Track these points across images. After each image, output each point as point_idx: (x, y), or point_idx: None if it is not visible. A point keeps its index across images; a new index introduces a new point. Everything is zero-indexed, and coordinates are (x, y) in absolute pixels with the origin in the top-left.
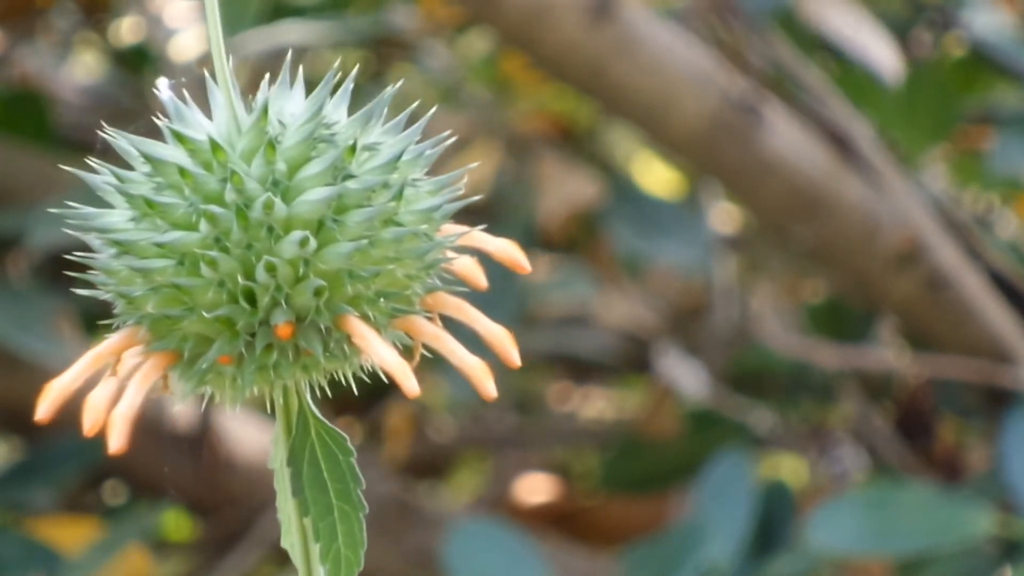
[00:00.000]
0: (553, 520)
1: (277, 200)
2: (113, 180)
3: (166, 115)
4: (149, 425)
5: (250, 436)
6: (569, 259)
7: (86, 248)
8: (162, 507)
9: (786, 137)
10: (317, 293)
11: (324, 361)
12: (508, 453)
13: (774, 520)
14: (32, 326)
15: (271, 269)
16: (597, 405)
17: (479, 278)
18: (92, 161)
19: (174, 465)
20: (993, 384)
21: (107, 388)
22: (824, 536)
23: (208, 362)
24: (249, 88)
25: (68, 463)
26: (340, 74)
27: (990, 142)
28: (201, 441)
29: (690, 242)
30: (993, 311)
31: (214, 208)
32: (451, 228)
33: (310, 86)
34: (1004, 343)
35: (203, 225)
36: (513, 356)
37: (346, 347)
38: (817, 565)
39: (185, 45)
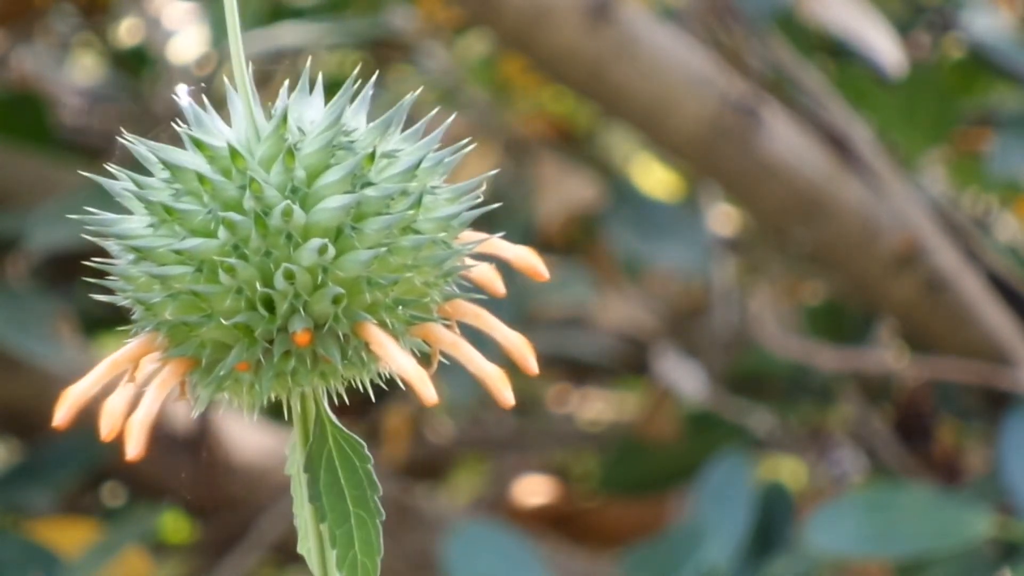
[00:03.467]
0: (552, 522)
1: (296, 207)
2: (132, 186)
3: (166, 118)
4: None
5: (249, 438)
6: (568, 261)
7: (89, 250)
8: (161, 509)
9: (785, 139)
10: (335, 300)
11: (342, 368)
12: (507, 455)
13: (773, 522)
14: (31, 328)
15: (289, 276)
16: (596, 407)
17: (497, 285)
18: (110, 167)
19: (173, 467)
20: (992, 386)
21: (124, 394)
22: (823, 538)
23: (226, 369)
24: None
25: (67, 465)
26: (359, 81)
27: (989, 144)
28: (200, 443)
29: (689, 244)
30: (992, 313)
31: (233, 215)
32: (469, 235)
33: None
34: (1003, 345)
35: (222, 232)
36: (531, 363)
37: (364, 354)
38: (816, 567)
39: (184, 47)
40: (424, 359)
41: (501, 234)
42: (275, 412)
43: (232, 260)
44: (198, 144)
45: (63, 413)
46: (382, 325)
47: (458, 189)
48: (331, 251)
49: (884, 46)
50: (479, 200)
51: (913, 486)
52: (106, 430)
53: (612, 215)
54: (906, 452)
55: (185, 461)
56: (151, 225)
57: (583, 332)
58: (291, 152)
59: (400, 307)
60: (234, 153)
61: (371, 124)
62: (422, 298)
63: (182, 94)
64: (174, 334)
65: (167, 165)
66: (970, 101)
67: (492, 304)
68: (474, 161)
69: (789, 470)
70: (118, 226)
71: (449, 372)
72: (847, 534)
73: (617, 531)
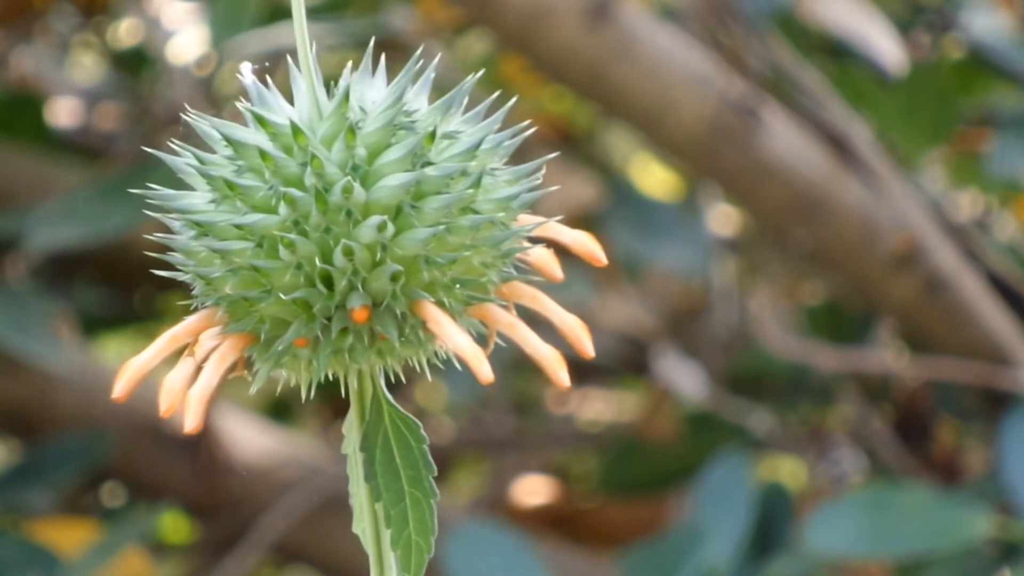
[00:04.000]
0: (551, 522)
1: (356, 185)
2: (194, 162)
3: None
4: (148, 427)
5: (249, 438)
6: (567, 261)
7: (89, 249)
8: (161, 509)
9: (785, 139)
10: (393, 278)
11: (399, 346)
12: (506, 455)
13: (773, 522)
14: (30, 328)
15: (349, 253)
16: (596, 407)
17: (554, 269)
18: (174, 143)
19: (173, 467)
20: (992, 386)
21: (184, 369)
22: (823, 538)
23: (284, 344)
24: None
25: (66, 465)
26: (421, 63)
27: (989, 144)
28: (200, 443)
29: (689, 244)
30: (992, 313)
31: (294, 191)
32: (528, 218)
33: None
34: (1002, 345)
35: (282, 208)
36: (587, 346)
37: (421, 333)
38: (816, 567)
39: (183, 47)
40: (480, 339)
41: (559, 217)
42: (275, 412)
43: (292, 236)
44: (261, 121)
45: (123, 385)
46: (439, 304)
47: (517, 171)
48: (390, 229)
49: (884, 46)
50: (538, 182)
51: (913, 486)
52: (165, 404)
53: (611, 215)
54: (906, 452)
55: (185, 461)
56: (213, 201)
57: None
58: (352, 130)
59: (457, 286)
60: (296, 130)
61: (432, 105)
62: (479, 278)
63: (246, 72)
64: (234, 309)
65: (230, 141)
66: (970, 101)
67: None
68: None
69: (789, 470)
70: (180, 201)
71: (449, 372)
72: (847, 534)
73: (617, 531)
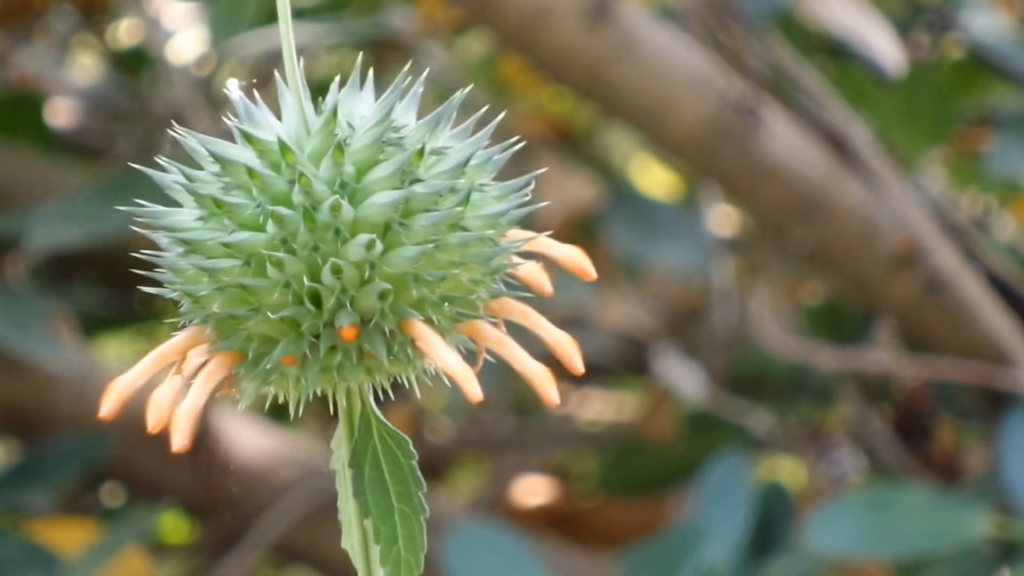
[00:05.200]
0: (551, 522)
1: (344, 202)
2: (182, 179)
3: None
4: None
5: (248, 438)
6: None
7: (89, 249)
8: (160, 509)
9: (784, 140)
10: (382, 296)
11: (388, 364)
12: (506, 455)
13: (772, 522)
14: (30, 328)
15: (337, 271)
16: (595, 407)
17: (544, 284)
18: (161, 159)
19: (173, 467)
20: (992, 386)
21: (171, 386)
22: (822, 538)
23: (272, 362)
24: (248, 91)
25: (66, 465)
26: (409, 78)
27: (989, 144)
28: (199, 443)
29: (689, 244)
30: (991, 313)
31: (282, 209)
32: (517, 232)
33: (310, 88)
34: (1002, 345)
35: (270, 226)
36: (577, 362)
37: (409, 351)
38: (816, 567)
39: (183, 47)
40: (469, 357)
41: (548, 233)
42: (275, 413)
43: (280, 254)
44: (248, 138)
45: (110, 405)
46: (428, 321)
47: (506, 187)
48: (379, 247)
49: (884, 46)
50: (527, 198)
51: (912, 486)
52: (153, 422)
53: (611, 215)
54: (905, 452)
55: (184, 462)
56: (200, 218)
57: (583, 332)
58: (340, 147)
59: (447, 304)
60: (284, 147)
61: (420, 121)
62: (469, 295)
63: (233, 88)
64: (221, 327)
65: (217, 158)
66: (970, 101)
67: None
68: None
69: (788, 470)
70: (168, 218)
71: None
72: (846, 534)
73: (616, 531)
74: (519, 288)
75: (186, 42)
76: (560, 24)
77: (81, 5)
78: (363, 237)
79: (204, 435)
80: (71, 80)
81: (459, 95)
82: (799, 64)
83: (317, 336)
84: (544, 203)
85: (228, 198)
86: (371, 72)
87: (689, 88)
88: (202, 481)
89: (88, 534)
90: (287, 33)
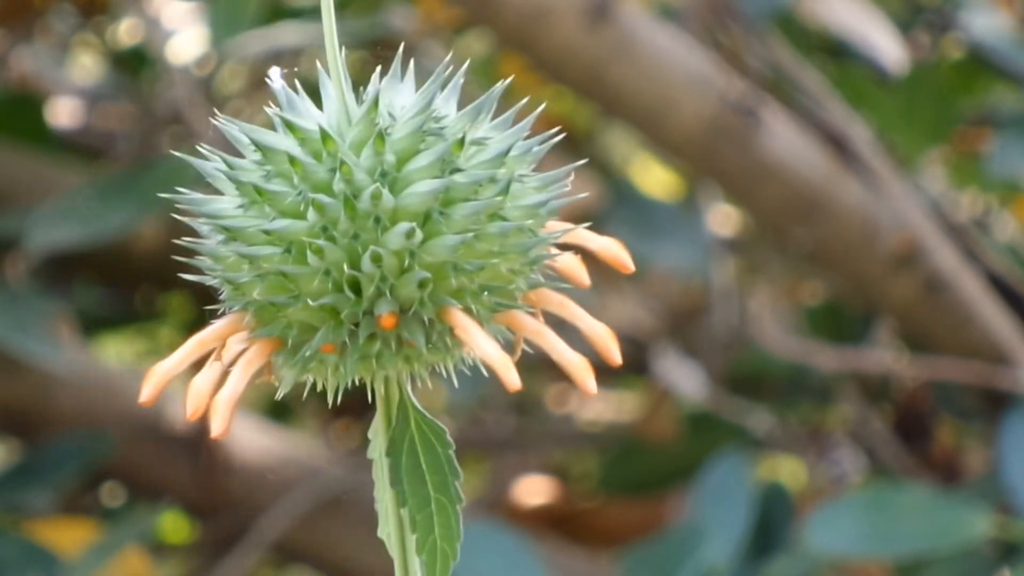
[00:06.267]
0: (551, 522)
1: (385, 191)
2: (223, 167)
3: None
4: (148, 427)
5: (249, 438)
6: None
7: (89, 249)
8: (160, 509)
9: (784, 140)
10: (421, 285)
11: (426, 353)
12: (506, 455)
13: (772, 522)
14: (30, 328)
15: (377, 259)
16: (595, 407)
17: (582, 276)
18: (202, 147)
19: (173, 467)
20: (992, 386)
21: (211, 373)
22: (822, 538)
23: (311, 350)
24: (249, 89)
25: (66, 465)
26: (451, 68)
27: (989, 144)
28: (200, 443)
29: (689, 244)
30: (991, 313)
31: (322, 197)
32: (555, 224)
33: (310, 88)
34: (1002, 345)
35: (311, 214)
36: (615, 354)
37: (448, 340)
38: (816, 567)
39: (183, 47)
40: (508, 346)
41: (587, 224)
42: (275, 413)
43: (320, 242)
44: (290, 126)
45: (149, 390)
46: (467, 311)
47: (546, 178)
48: (419, 235)
49: (885, 45)
50: (566, 189)
51: (912, 486)
52: (191, 408)
53: (611, 215)
54: (905, 452)
55: (185, 461)
56: (241, 206)
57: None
58: (381, 136)
59: (485, 293)
60: (325, 136)
61: (461, 111)
62: (507, 285)
63: (275, 76)
64: (261, 314)
65: (259, 146)
66: (970, 101)
67: None
68: None
69: (788, 470)
70: (209, 206)
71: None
72: (846, 534)
73: (616, 531)
74: (556, 279)
75: (186, 42)
76: (560, 24)
77: (81, 5)
78: (403, 226)
79: (205, 435)
80: (71, 80)
81: (500, 86)
82: (799, 64)
83: (356, 324)
84: (583, 194)
85: (269, 186)
86: (412, 63)
87: (689, 88)
88: (202, 481)
89: (88, 534)
90: (330, 22)
